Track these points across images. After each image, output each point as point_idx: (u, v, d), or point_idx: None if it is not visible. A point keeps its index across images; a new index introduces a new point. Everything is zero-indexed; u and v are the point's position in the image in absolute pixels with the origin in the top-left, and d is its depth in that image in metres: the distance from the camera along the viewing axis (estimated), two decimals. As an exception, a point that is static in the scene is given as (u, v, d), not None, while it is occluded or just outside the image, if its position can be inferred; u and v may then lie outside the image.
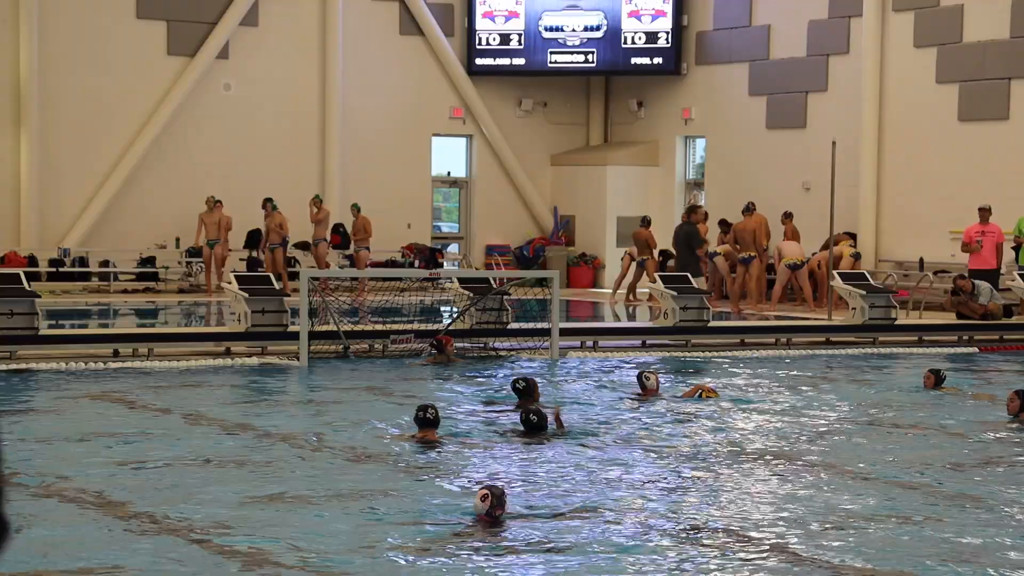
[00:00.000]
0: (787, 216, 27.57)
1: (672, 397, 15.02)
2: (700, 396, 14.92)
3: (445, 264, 31.86)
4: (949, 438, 12.95)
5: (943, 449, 12.34)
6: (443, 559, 8.17)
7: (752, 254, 26.67)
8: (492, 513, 8.90)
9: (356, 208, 29.45)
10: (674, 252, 26.73)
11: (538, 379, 14.87)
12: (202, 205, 29.01)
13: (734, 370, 18.07)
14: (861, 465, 11.36)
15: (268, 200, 28.86)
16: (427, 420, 11.93)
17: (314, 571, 7.88)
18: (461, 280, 20.43)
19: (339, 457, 11.44)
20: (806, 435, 12.86)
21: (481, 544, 8.53)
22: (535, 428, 12.25)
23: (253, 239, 30.22)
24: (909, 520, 9.40)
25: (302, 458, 11.37)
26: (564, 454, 11.61)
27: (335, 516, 9.23)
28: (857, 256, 27.22)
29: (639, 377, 15.35)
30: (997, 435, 13.08)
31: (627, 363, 18.49)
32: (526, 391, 13.91)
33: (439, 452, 11.68)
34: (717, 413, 14.04)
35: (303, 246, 30.00)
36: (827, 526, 9.19)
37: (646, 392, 15.00)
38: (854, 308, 21.85)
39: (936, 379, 16.08)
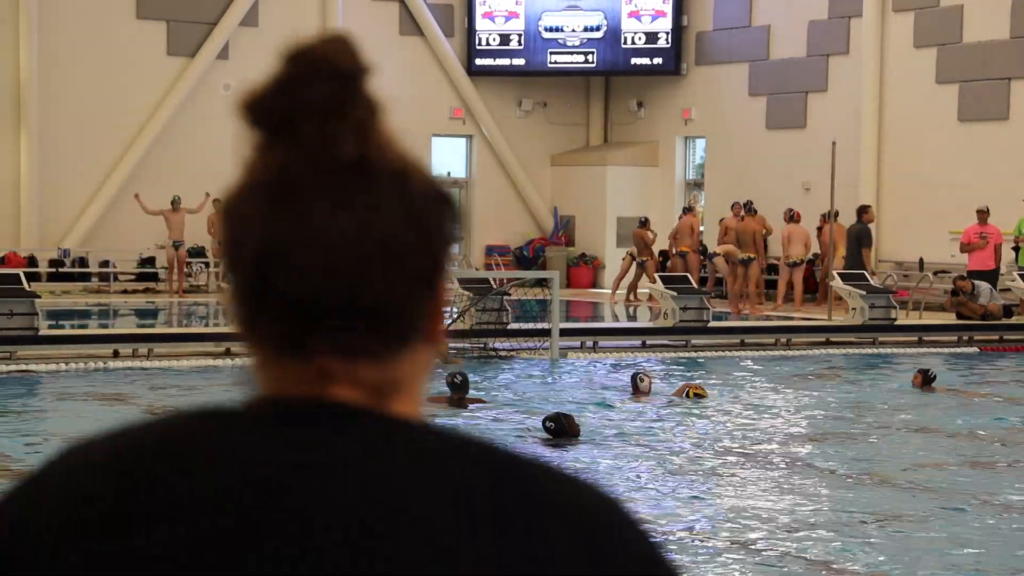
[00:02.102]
0: (791, 217, 27.06)
1: (662, 397, 15.04)
2: (688, 395, 14.96)
3: (445, 264, 31.80)
4: (935, 437, 12.95)
5: (931, 448, 12.34)
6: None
7: (752, 255, 26.61)
8: None
9: None
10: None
11: (534, 380, 14.89)
12: (201, 206, 28.95)
13: (731, 370, 18.07)
14: (850, 464, 11.37)
15: None
16: None
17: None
18: (461, 280, 20.43)
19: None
20: (797, 435, 12.88)
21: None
22: (556, 434, 12.22)
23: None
24: (902, 520, 9.40)
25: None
26: (559, 456, 11.61)
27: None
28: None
29: (633, 379, 15.39)
30: (986, 434, 13.09)
31: (625, 363, 18.50)
32: (462, 385, 14.25)
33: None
34: (712, 414, 14.05)
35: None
36: (821, 525, 9.19)
37: (639, 394, 15.04)
38: (854, 308, 21.84)
39: (924, 378, 16.09)
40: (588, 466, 11.15)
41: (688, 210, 29.35)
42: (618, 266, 30.00)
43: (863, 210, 25.13)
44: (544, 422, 12.32)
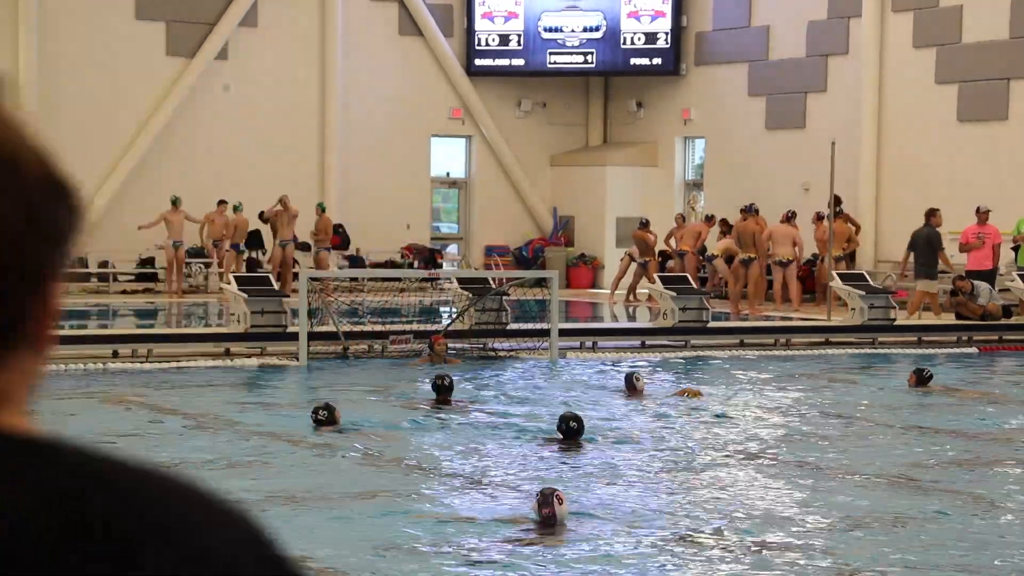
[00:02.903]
0: (788, 218, 27.03)
1: (659, 398, 15.03)
2: (686, 396, 14.98)
3: (444, 265, 31.85)
4: (932, 437, 12.95)
5: (929, 448, 12.34)
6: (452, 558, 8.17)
7: (752, 256, 26.59)
8: (541, 514, 8.80)
9: (321, 208, 29.37)
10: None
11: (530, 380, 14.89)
12: (201, 205, 28.90)
13: (730, 370, 18.07)
14: (846, 464, 11.38)
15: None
16: (320, 421, 12.62)
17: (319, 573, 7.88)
18: (460, 280, 20.44)
19: (338, 457, 11.44)
20: (795, 435, 12.88)
21: (473, 545, 8.53)
22: (575, 435, 12.16)
23: (254, 239, 30.19)
24: (899, 519, 9.40)
25: (302, 459, 11.38)
26: (557, 456, 11.62)
27: (336, 517, 9.22)
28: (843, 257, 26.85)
29: (628, 379, 15.39)
30: (985, 434, 13.10)
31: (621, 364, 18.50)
32: (449, 388, 14.33)
33: (443, 454, 11.68)
34: (708, 414, 14.04)
35: (303, 247, 30.00)
36: (818, 523, 9.19)
37: (634, 393, 15.04)
38: (853, 308, 21.83)
39: (919, 378, 16.08)
40: (588, 466, 11.15)
41: (709, 218, 29.42)
42: (617, 266, 30.01)
43: (931, 213, 24.27)
44: (568, 422, 12.17)
